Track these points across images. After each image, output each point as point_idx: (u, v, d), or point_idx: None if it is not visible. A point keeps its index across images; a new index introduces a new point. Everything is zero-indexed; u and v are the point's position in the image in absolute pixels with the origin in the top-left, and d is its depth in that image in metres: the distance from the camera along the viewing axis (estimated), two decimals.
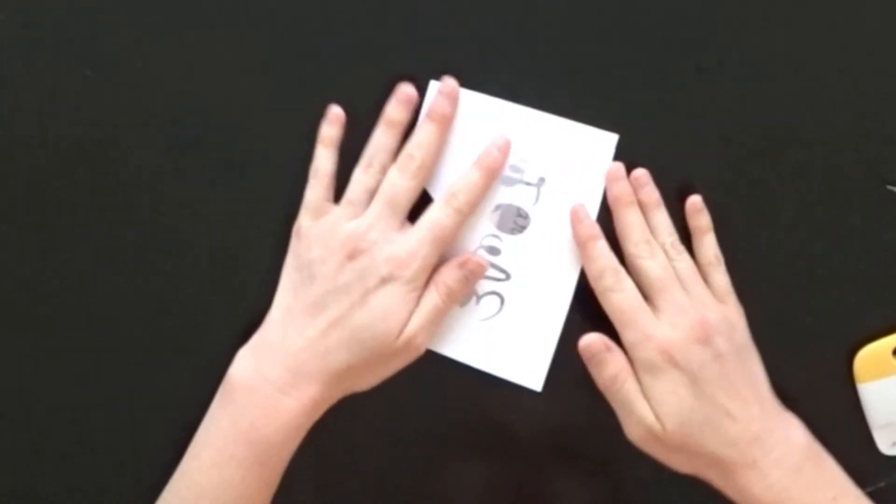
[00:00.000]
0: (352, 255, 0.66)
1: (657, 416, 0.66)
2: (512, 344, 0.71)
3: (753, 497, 0.66)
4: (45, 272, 0.73)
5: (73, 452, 0.74)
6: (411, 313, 0.67)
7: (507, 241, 0.70)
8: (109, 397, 0.74)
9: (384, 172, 0.68)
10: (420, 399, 0.74)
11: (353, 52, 0.70)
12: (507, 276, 0.70)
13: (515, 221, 0.70)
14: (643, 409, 0.67)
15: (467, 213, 0.68)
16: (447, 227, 0.67)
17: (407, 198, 0.68)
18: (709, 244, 0.70)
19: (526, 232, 0.70)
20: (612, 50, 0.70)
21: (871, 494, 0.72)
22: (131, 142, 0.71)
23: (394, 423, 0.74)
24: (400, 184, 0.67)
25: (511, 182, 0.70)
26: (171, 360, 0.73)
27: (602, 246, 0.68)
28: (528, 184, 0.70)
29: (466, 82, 0.69)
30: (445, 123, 0.68)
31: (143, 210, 0.72)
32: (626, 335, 0.67)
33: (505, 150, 0.69)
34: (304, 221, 0.69)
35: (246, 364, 0.67)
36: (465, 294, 0.70)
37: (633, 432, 0.68)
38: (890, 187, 0.71)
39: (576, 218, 0.69)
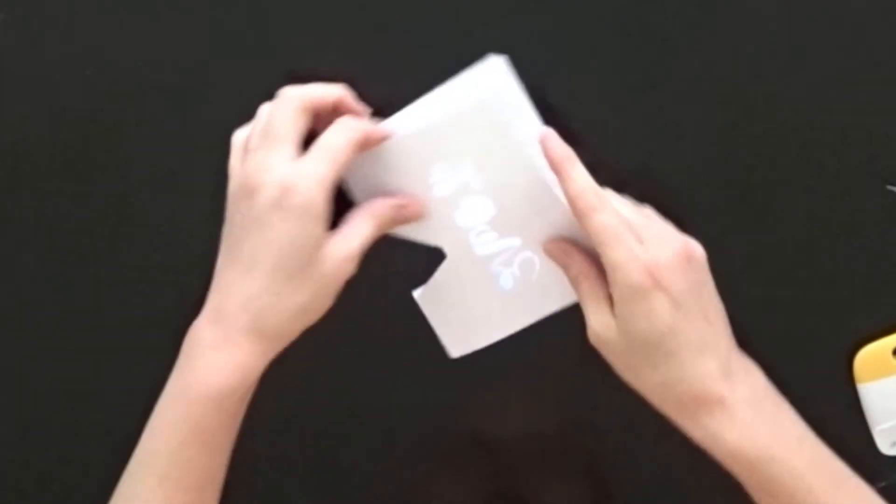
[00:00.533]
0: (249, 195, 0.64)
1: (627, 335, 0.64)
2: (538, 287, 0.70)
3: (718, 435, 0.64)
4: (44, 269, 0.73)
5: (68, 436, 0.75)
6: (328, 238, 0.65)
7: (495, 226, 0.69)
8: (105, 385, 0.74)
9: None
10: (404, 404, 0.74)
11: (351, 55, 0.70)
12: (511, 245, 0.70)
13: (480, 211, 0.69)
14: (596, 314, 0.66)
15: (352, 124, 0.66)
16: (338, 142, 0.65)
17: (288, 127, 0.65)
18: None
19: (496, 208, 0.68)
20: (612, 46, 0.70)
21: None
22: (131, 141, 0.71)
23: (380, 425, 0.74)
24: (277, 113, 0.66)
25: (453, 200, 0.68)
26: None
27: (580, 166, 0.65)
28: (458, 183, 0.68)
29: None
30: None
31: (144, 209, 0.72)
32: (610, 256, 0.63)
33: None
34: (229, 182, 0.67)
35: (189, 333, 0.66)
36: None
37: (588, 335, 0.67)
38: (890, 187, 0.71)
39: (547, 143, 0.66)
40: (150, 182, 0.72)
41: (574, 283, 0.68)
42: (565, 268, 0.68)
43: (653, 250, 0.63)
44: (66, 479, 0.75)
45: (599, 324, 0.65)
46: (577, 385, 0.72)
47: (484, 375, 0.73)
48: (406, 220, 0.69)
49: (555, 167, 0.65)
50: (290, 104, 0.65)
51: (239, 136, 0.68)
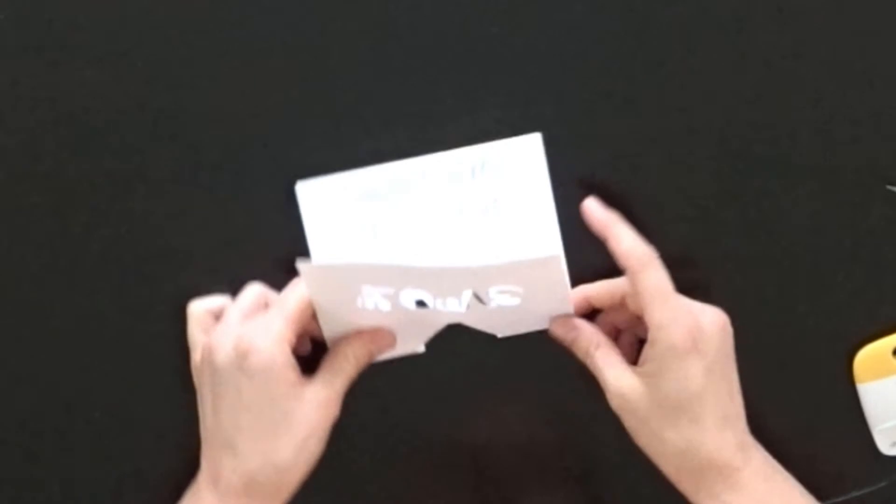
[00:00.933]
0: (210, 359, 0.66)
1: (655, 396, 0.65)
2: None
3: None
4: (43, 269, 0.73)
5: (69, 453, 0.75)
6: (306, 387, 0.66)
7: (443, 293, 0.67)
8: (105, 399, 0.74)
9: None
10: (392, 413, 0.73)
11: (352, 62, 0.70)
12: (472, 292, 0.67)
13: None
14: (616, 377, 0.67)
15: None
16: (289, 299, 0.66)
17: (254, 302, 0.69)
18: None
19: (423, 291, 0.66)
20: (609, 47, 0.70)
21: (870, 494, 0.73)
22: (131, 142, 0.71)
23: (370, 438, 0.74)
24: (247, 295, 0.69)
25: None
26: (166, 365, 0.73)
27: (625, 227, 0.67)
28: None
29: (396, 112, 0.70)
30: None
31: (145, 209, 0.72)
32: (656, 314, 0.65)
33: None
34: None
35: (191, 492, 0.68)
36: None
37: (610, 400, 0.67)
38: (890, 187, 0.71)
39: (589, 210, 0.68)
40: (151, 182, 0.72)
41: (584, 356, 0.69)
42: (573, 343, 0.69)
43: (695, 314, 0.65)
44: (64, 479, 0.75)
45: (624, 386, 0.66)
46: (569, 393, 0.71)
47: (475, 383, 0.73)
48: (381, 350, 0.69)
49: (601, 229, 0.67)
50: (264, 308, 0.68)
51: (197, 307, 0.70)
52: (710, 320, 0.66)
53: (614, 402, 0.67)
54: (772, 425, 0.71)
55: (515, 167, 0.69)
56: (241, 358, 0.64)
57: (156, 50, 0.71)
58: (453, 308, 0.67)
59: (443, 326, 0.70)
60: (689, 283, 0.70)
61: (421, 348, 0.71)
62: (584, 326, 0.69)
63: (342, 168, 0.70)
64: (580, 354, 0.69)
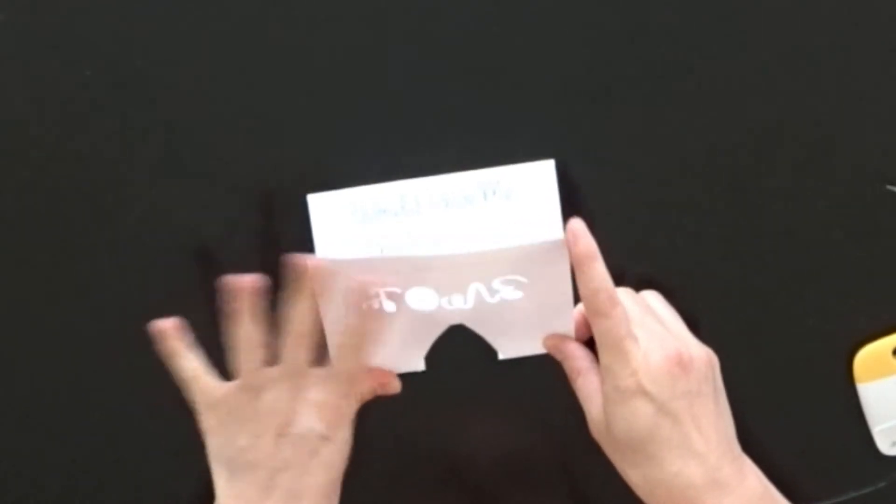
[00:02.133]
0: (282, 429, 0.67)
1: (611, 433, 0.66)
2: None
3: None
4: (43, 270, 0.73)
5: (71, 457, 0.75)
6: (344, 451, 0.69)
7: (447, 291, 0.68)
8: (100, 402, 0.74)
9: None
10: (380, 424, 0.73)
11: (351, 46, 0.70)
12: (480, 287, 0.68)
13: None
14: (590, 409, 0.67)
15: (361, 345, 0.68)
16: (352, 367, 0.69)
17: (306, 357, 0.68)
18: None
19: (431, 290, 0.67)
20: (625, 76, 0.70)
21: (870, 494, 0.73)
22: (131, 142, 0.71)
23: (367, 452, 0.73)
24: (295, 354, 0.68)
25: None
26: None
27: (599, 266, 0.65)
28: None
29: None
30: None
31: (144, 209, 0.72)
32: (605, 359, 0.65)
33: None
34: (210, 420, 0.68)
35: None
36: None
37: (589, 427, 0.68)
38: (890, 187, 0.71)
39: (573, 235, 0.65)
40: (151, 182, 0.72)
41: (570, 377, 0.69)
42: (562, 361, 0.70)
43: (644, 355, 0.64)
44: (62, 479, 0.75)
45: (593, 420, 0.67)
46: (568, 409, 0.71)
47: (473, 399, 0.73)
48: (385, 391, 0.71)
49: (576, 261, 0.65)
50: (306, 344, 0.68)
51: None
52: (663, 358, 0.64)
53: (591, 432, 0.68)
54: (772, 425, 0.72)
55: (527, 192, 0.70)
56: (329, 426, 0.68)
57: (160, 53, 0.71)
58: (458, 306, 0.67)
59: (446, 328, 0.70)
60: (690, 284, 0.71)
61: (421, 366, 0.72)
62: (573, 350, 0.69)
63: (355, 183, 0.70)
64: (567, 372, 0.69)
